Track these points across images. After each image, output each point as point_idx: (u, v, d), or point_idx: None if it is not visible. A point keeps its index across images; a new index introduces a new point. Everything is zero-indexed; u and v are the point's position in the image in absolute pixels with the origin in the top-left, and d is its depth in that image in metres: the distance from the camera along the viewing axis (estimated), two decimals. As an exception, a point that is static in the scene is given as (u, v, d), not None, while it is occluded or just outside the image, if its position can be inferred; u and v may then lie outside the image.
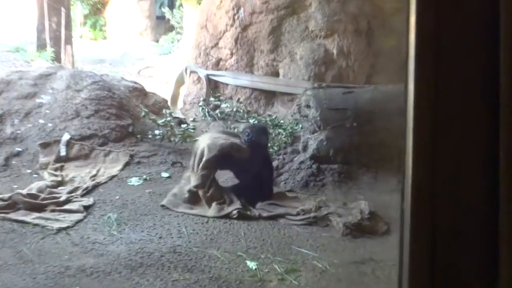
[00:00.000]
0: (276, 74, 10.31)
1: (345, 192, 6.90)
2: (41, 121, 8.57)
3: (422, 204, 1.30)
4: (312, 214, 6.09)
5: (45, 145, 8.13)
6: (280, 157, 7.62)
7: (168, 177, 7.58)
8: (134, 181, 7.41)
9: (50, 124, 8.49)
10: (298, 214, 6.15)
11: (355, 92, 7.95)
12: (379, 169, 7.06)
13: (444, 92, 1.31)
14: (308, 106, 7.87)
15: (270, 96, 10.40)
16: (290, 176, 7.24)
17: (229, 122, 9.87)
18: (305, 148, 7.62)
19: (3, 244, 5.33)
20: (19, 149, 8.12)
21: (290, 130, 8.72)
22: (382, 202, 6.21)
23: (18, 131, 8.42)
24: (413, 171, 1.31)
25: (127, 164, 7.95)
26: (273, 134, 8.73)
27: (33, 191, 6.66)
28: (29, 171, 7.71)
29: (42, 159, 7.90)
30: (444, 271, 1.33)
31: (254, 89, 10.46)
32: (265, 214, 6.18)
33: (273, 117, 9.79)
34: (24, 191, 6.59)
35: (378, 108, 7.28)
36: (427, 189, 1.29)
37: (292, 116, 9.40)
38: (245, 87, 10.54)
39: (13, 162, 7.88)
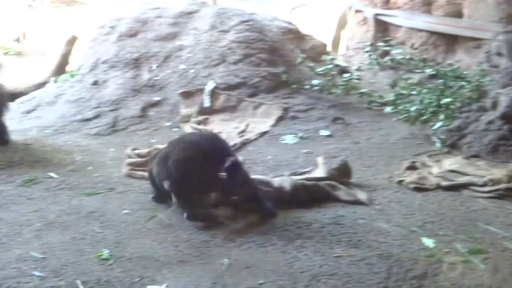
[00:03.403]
0: (459, 14, 10.11)
1: (546, 160, 6.70)
2: (182, 66, 8.82)
3: None
4: (503, 186, 5.98)
5: (186, 95, 8.38)
6: (463, 115, 7.48)
7: (328, 135, 7.65)
8: (289, 139, 7.52)
9: (192, 70, 8.72)
10: (485, 184, 6.05)
11: (560, 37, 7.68)
12: None
13: None
14: (499, 54, 7.69)
15: (451, 42, 10.22)
16: (475, 138, 7.11)
17: (401, 72, 9.77)
18: (494, 105, 7.44)
19: (141, 206, 5.56)
20: (157, 98, 8.45)
21: (476, 83, 8.53)
22: None
23: (156, 78, 8.73)
24: None
25: (280, 119, 8.08)
26: (455, 88, 8.58)
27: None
28: (168, 123, 8.00)
29: (183, 111, 8.16)
30: None
31: (431, 33, 10.32)
32: (445, 183, 6.11)
33: (455, 66, 9.62)
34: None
35: None
36: None
37: (478, 66, 9.19)
38: (420, 30, 10.41)
39: (151, 113, 8.19)
